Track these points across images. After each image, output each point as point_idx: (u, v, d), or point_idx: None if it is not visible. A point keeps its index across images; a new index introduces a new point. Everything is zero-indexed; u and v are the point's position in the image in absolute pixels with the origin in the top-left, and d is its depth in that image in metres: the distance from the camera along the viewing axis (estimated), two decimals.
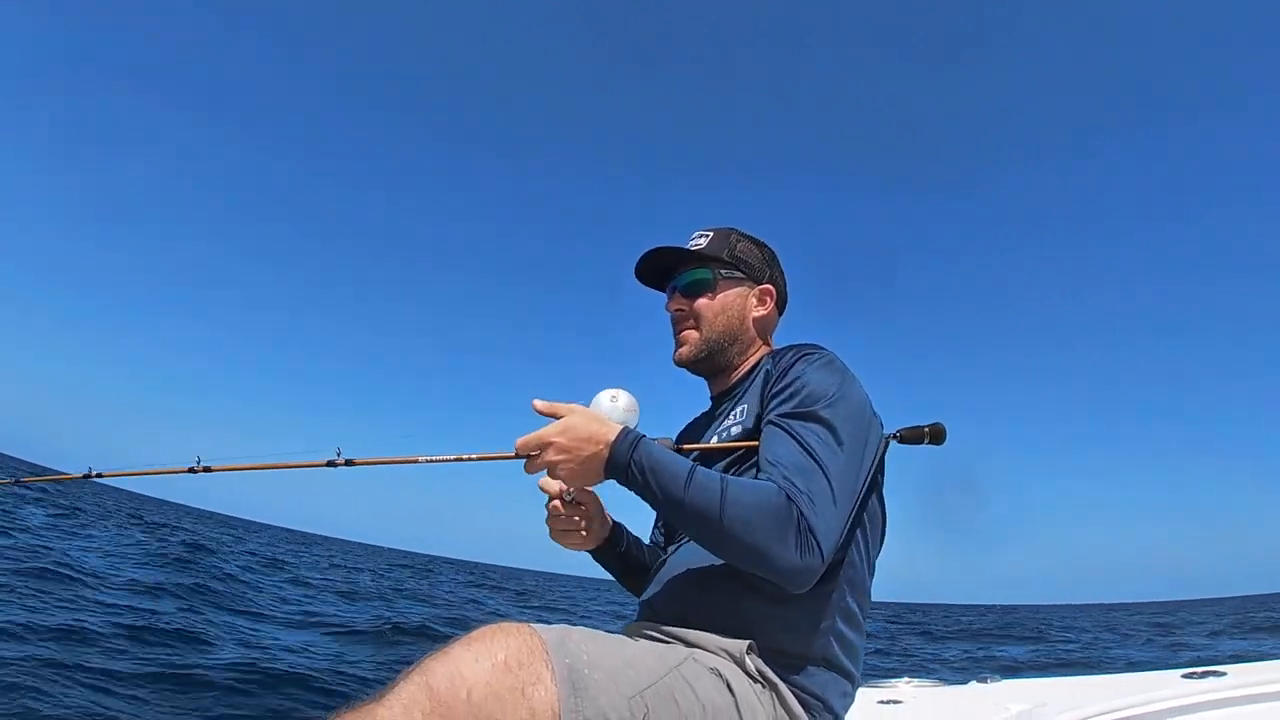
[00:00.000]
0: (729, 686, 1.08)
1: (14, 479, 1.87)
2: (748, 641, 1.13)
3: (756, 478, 1.16)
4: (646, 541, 1.58)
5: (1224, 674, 1.99)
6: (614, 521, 1.49)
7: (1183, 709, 1.88)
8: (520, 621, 1.00)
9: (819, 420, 1.18)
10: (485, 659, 0.92)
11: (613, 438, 1.15)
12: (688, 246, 1.47)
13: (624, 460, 1.14)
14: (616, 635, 1.14)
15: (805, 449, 1.14)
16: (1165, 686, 1.96)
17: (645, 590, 1.35)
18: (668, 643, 1.17)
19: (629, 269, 1.53)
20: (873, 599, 1.30)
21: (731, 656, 1.13)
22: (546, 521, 1.38)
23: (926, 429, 1.44)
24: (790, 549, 1.06)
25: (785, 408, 1.21)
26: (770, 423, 1.22)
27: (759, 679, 1.12)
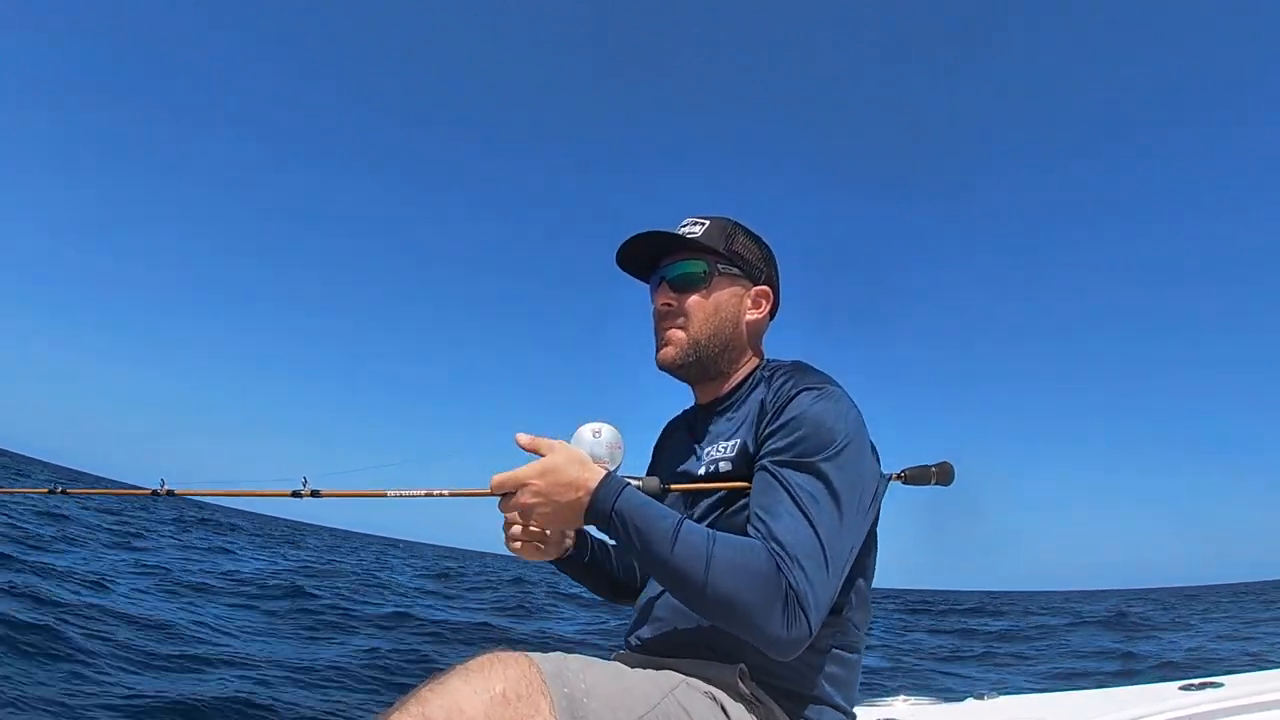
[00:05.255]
0: (723, 709, 1.07)
1: None
2: (739, 666, 1.10)
3: (747, 530, 1.09)
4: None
5: (1221, 685, 1.97)
6: (577, 530, 1.38)
7: None
8: (517, 650, 0.99)
9: (817, 474, 1.09)
10: (484, 692, 0.90)
11: (594, 485, 1.09)
12: (680, 232, 1.30)
13: (605, 510, 1.08)
14: (611, 663, 1.12)
15: (800, 507, 1.06)
16: (1163, 699, 1.93)
17: (633, 625, 1.30)
18: (660, 667, 1.15)
19: (608, 270, 1.37)
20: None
21: (724, 681, 1.11)
22: (503, 528, 1.25)
23: (933, 469, 1.39)
24: (776, 621, 0.99)
25: (782, 454, 1.12)
26: (764, 468, 1.13)
27: (752, 701, 1.10)
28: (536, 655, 0.98)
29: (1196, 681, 2.02)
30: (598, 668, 1.03)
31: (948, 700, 2.30)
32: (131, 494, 1.35)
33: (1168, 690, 2.02)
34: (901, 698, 2.31)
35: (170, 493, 1.34)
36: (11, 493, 1.77)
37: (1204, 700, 1.88)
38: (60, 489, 1.52)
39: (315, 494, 1.22)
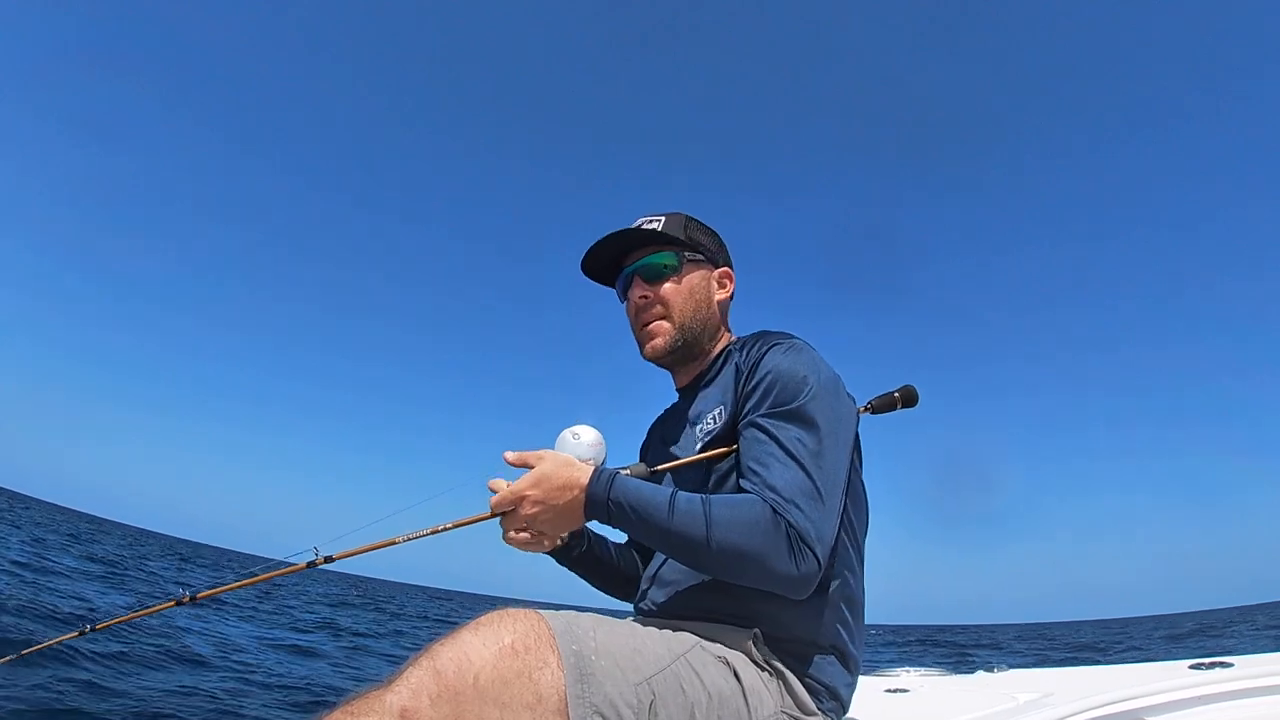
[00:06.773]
0: (736, 674, 1.09)
1: None
2: (754, 631, 1.14)
3: (740, 485, 1.16)
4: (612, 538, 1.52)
5: (1231, 665, 1.96)
6: None
7: (1190, 700, 1.84)
8: (527, 609, 1.02)
9: (797, 418, 1.16)
10: (492, 643, 0.94)
11: (586, 480, 1.15)
12: (644, 228, 1.38)
13: (602, 501, 1.14)
14: (625, 621, 1.15)
15: (787, 452, 1.13)
16: (1173, 677, 1.92)
17: (645, 588, 1.33)
18: (676, 630, 1.17)
19: (575, 278, 1.42)
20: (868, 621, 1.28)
21: (739, 645, 1.13)
22: (501, 525, 1.22)
23: (897, 394, 1.43)
24: (785, 561, 1.05)
25: (763, 408, 1.19)
26: (750, 424, 1.20)
27: (766, 667, 1.13)
28: (547, 612, 1.02)
29: (1207, 661, 2.03)
30: (610, 626, 1.06)
31: (957, 673, 2.32)
32: (160, 610, 1.37)
33: (1178, 669, 2.02)
34: (909, 669, 2.33)
35: (194, 599, 1.37)
36: (46, 646, 1.77)
37: (1214, 679, 1.89)
38: (89, 628, 1.54)
39: (329, 559, 1.26)
